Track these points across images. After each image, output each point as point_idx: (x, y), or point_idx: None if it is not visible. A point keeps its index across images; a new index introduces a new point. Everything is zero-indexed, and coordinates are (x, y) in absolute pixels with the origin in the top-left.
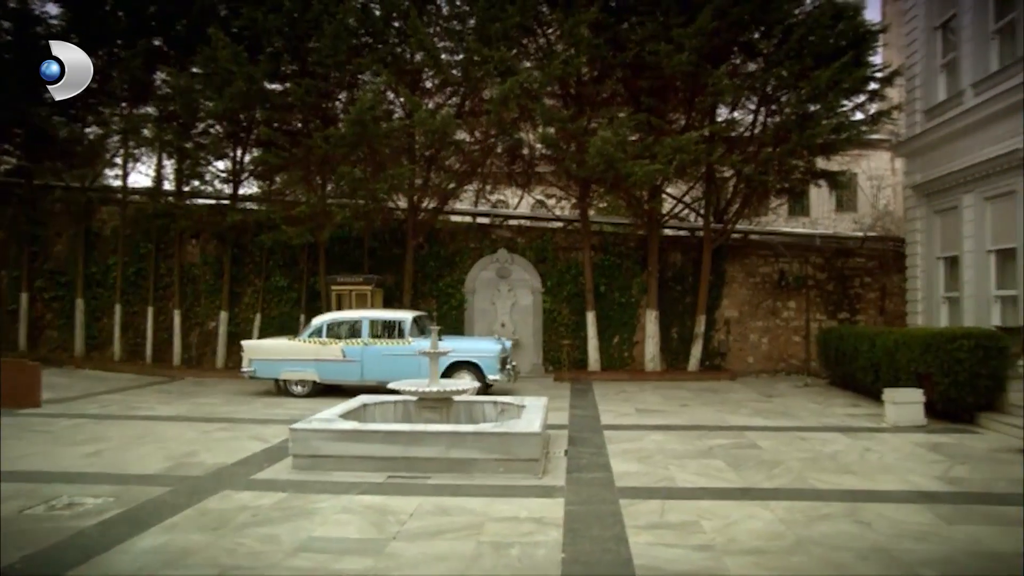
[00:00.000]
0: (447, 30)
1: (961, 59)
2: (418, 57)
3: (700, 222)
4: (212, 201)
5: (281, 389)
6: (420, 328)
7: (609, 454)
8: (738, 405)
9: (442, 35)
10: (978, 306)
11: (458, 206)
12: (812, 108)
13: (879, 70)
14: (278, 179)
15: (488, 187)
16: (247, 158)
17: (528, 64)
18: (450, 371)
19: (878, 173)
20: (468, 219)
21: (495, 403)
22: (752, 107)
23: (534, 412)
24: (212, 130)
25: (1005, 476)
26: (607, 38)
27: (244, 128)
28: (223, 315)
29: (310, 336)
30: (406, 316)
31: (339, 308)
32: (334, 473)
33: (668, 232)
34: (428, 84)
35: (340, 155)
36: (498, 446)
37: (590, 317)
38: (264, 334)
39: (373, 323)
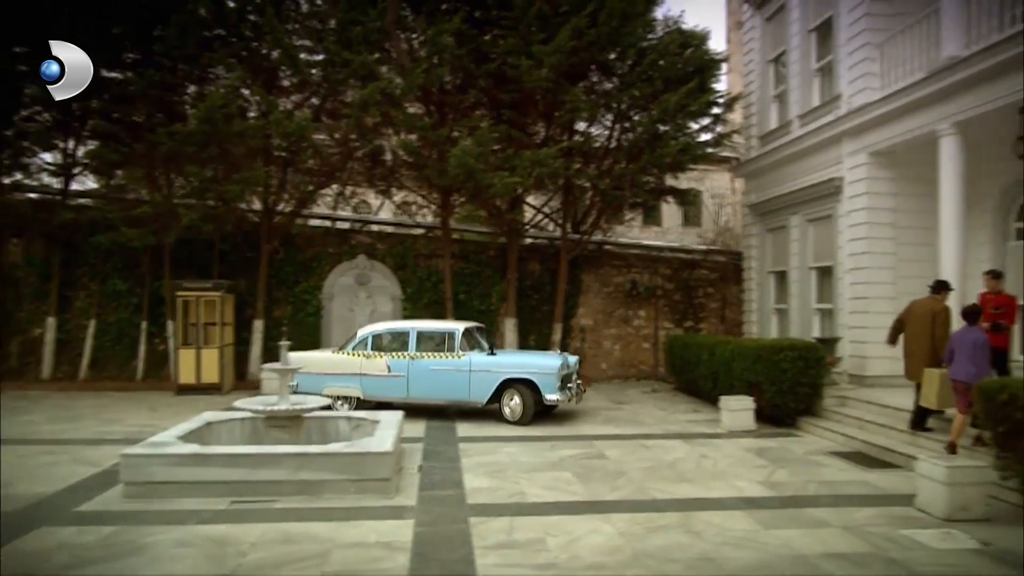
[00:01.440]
0: (307, 28)
1: (789, 92)
2: (274, 55)
3: (558, 232)
4: (37, 196)
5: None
6: (472, 341)
7: (463, 468)
8: (590, 413)
9: (301, 34)
10: (802, 318)
11: (317, 210)
12: (662, 128)
13: (721, 96)
14: (118, 175)
15: (348, 191)
16: (81, 151)
17: (390, 67)
18: (503, 388)
19: (720, 191)
20: (327, 223)
21: (349, 419)
22: (608, 124)
23: (388, 429)
24: (39, 117)
25: (815, 479)
26: (470, 49)
27: (77, 117)
28: (50, 321)
29: (355, 348)
30: (456, 328)
31: (185, 315)
32: (172, 500)
33: (528, 241)
34: (286, 83)
35: (188, 153)
36: (348, 466)
37: None
38: (99, 342)
39: (421, 335)
